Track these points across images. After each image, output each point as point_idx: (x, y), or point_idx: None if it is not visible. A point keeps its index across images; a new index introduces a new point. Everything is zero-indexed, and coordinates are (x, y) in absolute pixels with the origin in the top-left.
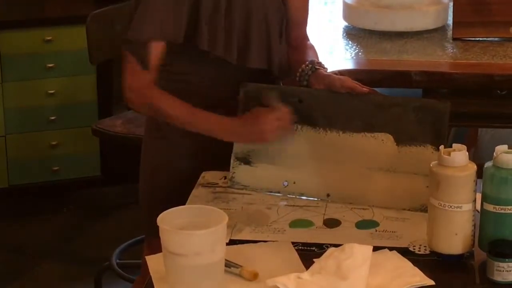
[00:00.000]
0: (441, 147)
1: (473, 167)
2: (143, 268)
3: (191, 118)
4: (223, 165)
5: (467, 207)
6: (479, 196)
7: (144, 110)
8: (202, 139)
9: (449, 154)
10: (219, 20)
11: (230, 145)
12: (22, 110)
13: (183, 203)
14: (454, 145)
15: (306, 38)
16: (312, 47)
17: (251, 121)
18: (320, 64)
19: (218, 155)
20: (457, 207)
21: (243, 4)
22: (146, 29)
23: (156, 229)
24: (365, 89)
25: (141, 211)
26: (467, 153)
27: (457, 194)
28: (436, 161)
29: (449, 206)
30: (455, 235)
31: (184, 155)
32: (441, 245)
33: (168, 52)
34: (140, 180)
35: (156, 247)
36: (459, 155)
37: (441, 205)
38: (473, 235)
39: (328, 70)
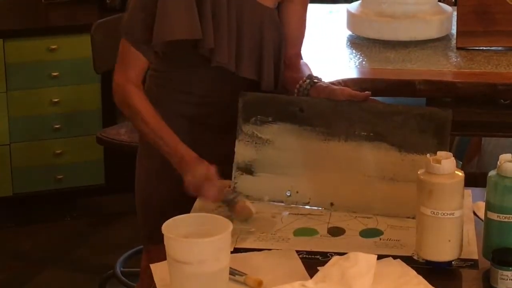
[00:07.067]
0: (429, 155)
1: (462, 173)
2: (142, 276)
3: (158, 132)
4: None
5: (458, 213)
6: (482, 204)
7: (123, 108)
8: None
9: (438, 162)
10: (223, 25)
11: (229, 155)
12: (26, 118)
13: (179, 210)
14: (439, 153)
15: (299, 57)
16: (306, 65)
17: (199, 181)
18: (317, 78)
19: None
20: (450, 214)
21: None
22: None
23: (152, 236)
24: (366, 92)
25: (138, 219)
26: (454, 160)
27: (450, 201)
28: (423, 170)
29: (442, 214)
30: (448, 242)
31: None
32: (433, 252)
33: (166, 59)
34: (136, 187)
35: (154, 254)
36: (448, 162)
37: (434, 213)
38: (462, 241)
39: (332, 79)
